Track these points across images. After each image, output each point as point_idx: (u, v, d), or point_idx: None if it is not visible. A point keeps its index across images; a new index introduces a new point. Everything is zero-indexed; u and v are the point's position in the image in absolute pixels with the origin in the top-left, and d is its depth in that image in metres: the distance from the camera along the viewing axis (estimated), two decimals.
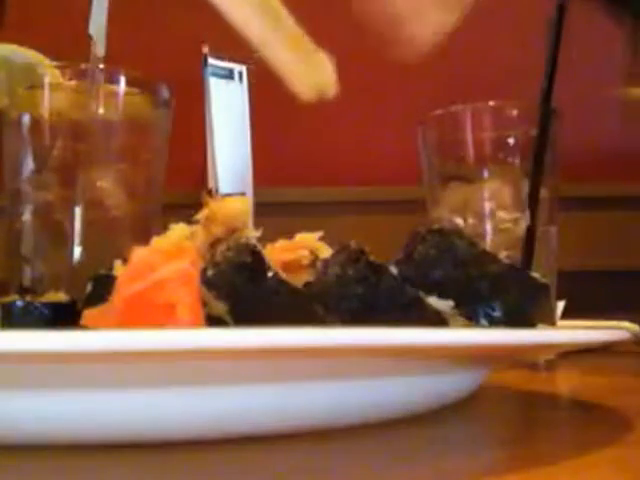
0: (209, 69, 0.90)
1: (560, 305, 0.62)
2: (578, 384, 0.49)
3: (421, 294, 0.29)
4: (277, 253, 0.30)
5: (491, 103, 0.56)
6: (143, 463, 0.23)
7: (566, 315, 0.63)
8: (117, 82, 0.43)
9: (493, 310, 0.30)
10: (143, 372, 0.23)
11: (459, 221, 0.54)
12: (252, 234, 0.30)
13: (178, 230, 0.30)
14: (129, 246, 0.29)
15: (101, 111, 0.43)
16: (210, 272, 0.28)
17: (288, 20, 0.34)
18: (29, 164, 0.42)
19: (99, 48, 0.42)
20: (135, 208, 0.43)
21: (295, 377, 0.25)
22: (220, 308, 0.27)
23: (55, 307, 0.31)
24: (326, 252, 0.31)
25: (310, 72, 0.31)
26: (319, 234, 0.32)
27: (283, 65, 0.31)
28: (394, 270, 0.29)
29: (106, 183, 0.42)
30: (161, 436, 0.24)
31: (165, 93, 0.45)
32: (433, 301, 0.29)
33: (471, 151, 0.55)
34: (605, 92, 1.07)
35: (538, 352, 0.44)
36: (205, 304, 0.27)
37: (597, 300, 0.79)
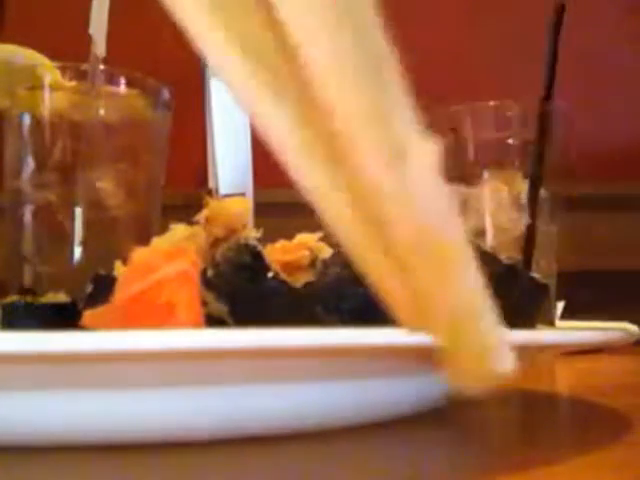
0: (210, 70, 0.90)
1: (560, 305, 0.62)
2: (578, 384, 0.49)
3: None
4: (277, 253, 0.30)
5: (491, 103, 0.56)
6: (143, 463, 0.23)
7: (566, 315, 0.63)
8: (117, 83, 0.43)
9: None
10: (143, 372, 0.23)
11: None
12: (252, 234, 0.30)
13: (178, 231, 0.30)
14: (129, 246, 0.29)
15: (101, 112, 0.43)
16: (210, 272, 0.28)
17: None
18: (29, 164, 0.42)
19: (99, 48, 0.42)
20: (135, 208, 0.43)
21: (295, 377, 0.25)
22: (220, 308, 0.27)
23: (55, 308, 0.31)
24: (326, 252, 0.31)
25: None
26: (319, 234, 0.32)
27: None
28: None
29: (106, 183, 0.42)
30: (161, 436, 0.24)
31: (165, 94, 0.45)
32: None
33: (471, 151, 0.55)
34: (606, 92, 1.07)
35: (538, 352, 0.44)
36: (205, 304, 0.27)
37: (597, 300, 0.79)
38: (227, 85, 0.17)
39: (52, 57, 0.44)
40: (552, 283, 0.54)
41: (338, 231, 0.18)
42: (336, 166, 0.17)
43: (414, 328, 0.19)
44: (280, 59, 0.16)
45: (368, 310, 0.28)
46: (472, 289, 0.18)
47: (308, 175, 0.18)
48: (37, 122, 0.42)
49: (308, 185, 0.18)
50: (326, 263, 0.29)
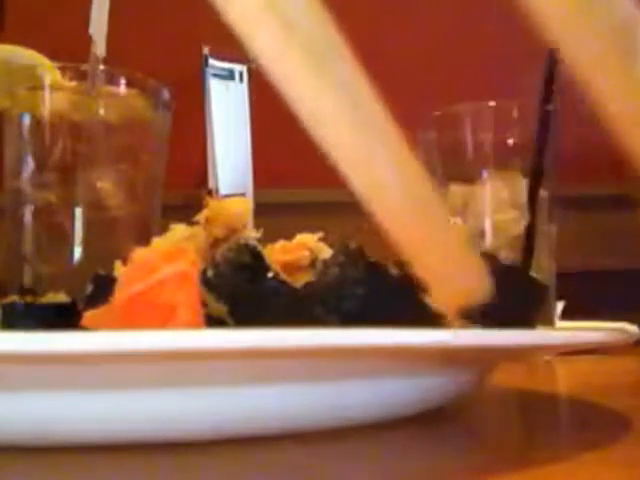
0: (209, 70, 0.90)
1: (559, 305, 0.62)
2: (578, 384, 0.49)
3: (421, 295, 0.29)
4: (277, 254, 0.30)
5: (491, 103, 0.56)
6: (143, 463, 0.23)
7: (565, 315, 0.63)
8: (117, 83, 0.43)
9: (492, 310, 0.30)
10: (143, 372, 0.23)
11: (459, 221, 0.54)
12: (252, 235, 0.30)
13: (178, 231, 0.30)
14: (129, 247, 0.29)
15: (101, 112, 0.43)
16: (210, 273, 0.28)
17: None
18: (29, 165, 0.42)
19: (99, 49, 0.42)
20: (135, 209, 0.43)
21: (295, 378, 0.25)
22: (220, 309, 0.27)
23: (55, 308, 0.31)
24: (326, 253, 0.31)
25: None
26: (319, 235, 0.32)
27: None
28: (394, 271, 0.29)
29: (106, 184, 0.42)
30: (161, 436, 0.24)
31: (165, 95, 0.45)
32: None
33: (471, 151, 0.55)
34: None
35: (538, 352, 0.44)
36: (205, 305, 0.27)
37: (596, 300, 0.79)
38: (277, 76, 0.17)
39: (52, 58, 0.44)
40: (552, 283, 0.54)
41: (383, 212, 0.19)
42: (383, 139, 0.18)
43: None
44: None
45: (368, 310, 0.28)
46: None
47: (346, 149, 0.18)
48: (37, 122, 0.42)
49: (346, 163, 0.18)
50: (326, 263, 0.29)
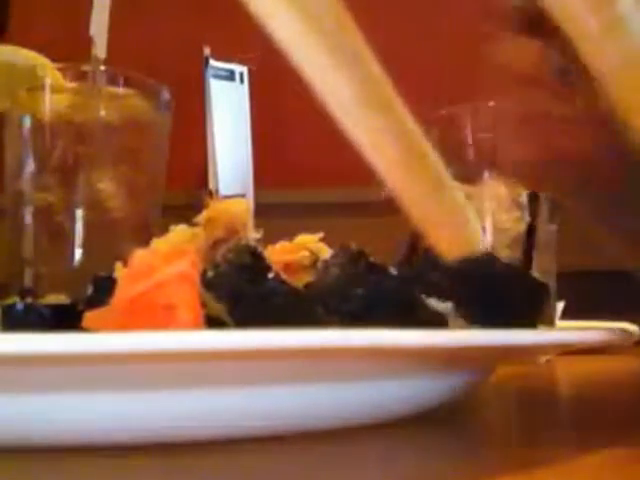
0: (210, 71, 0.90)
1: (560, 305, 0.62)
2: (578, 384, 0.49)
3: (421, 295, 0.29)
4: (277, 254, 0.30)
5: (491, 103, 0.56)
6: (143, 464, 0.23)
7: (565, 315, 0.63)
8: (118, 84, 0.43)
9: (493, 311, 0.30)
10: (143, 373, 0.23)
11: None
12: (252, 235, 0.30)
13: (179, 232, 0.30)
14: (130, 248, 0.29)
15: (102, 113, 0.43)
16: (210, 274, 0.28)
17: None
18: (30, 166, 0.42)
19: (100, 50, 0.43)
20: (136, 210, 0.43)
21: (295, 378, 0.25)
22: (220, 309, 0.27)
23: (56, 309, 0.31)
24: (326, 253, 0.31)
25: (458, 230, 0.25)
26: (319, 235, 0.32)
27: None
28: (394, 271, 0.29)
29: (107, 185, 0.42)
30: (161, 437, 0.24)
31: (166, 95, 0.45)
32: (433, 302, 0.29)
33: (471, 151, 0.55)
34: None
35: (538, 352, 0.44)
36: (205, 305, 0.27)
37: (597, 300, 0.79)
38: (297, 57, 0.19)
39: (53, 59, 0.44)
40: (552, 283, 0.54)
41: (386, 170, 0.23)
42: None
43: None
44: None
45: (368, 311, 0.28)
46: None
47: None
48: (38, 124, 0.42)
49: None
50: (326, 264, 0.29)
